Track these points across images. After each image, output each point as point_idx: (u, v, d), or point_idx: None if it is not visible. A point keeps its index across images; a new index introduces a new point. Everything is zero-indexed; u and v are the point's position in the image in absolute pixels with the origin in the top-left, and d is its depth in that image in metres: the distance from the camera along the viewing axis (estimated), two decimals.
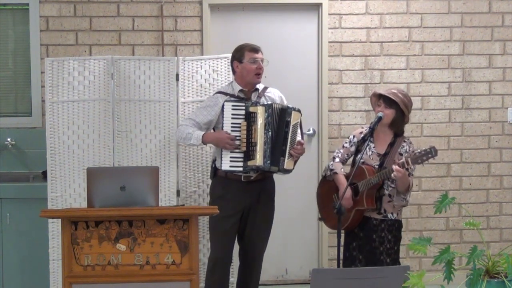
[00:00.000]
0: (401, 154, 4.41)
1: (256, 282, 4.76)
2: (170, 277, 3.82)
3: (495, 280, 2.89)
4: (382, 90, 4.53)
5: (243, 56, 4.61)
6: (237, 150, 4.47)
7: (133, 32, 5.68)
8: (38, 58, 5.63)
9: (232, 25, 5.80)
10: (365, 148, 4.42)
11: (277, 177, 5.79)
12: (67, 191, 5.02)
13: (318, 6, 5.77)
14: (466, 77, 5.86)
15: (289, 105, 4.54)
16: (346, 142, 4.63)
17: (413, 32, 5.81)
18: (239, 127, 4.48)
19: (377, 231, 4.42)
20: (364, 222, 4.45)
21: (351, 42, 5.78)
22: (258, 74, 4.59)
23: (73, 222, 3.80)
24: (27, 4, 5.65)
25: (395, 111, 4.42)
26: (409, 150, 4.43)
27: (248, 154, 4.45)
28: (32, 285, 5.20)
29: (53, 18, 5.64)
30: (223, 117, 4.52)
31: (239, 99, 4.59)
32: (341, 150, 4.62)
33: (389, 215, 4.43)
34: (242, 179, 4.54)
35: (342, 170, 4.55)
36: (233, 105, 4.52)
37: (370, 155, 4.47)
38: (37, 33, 5.63)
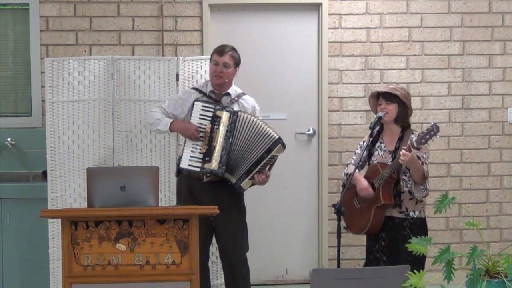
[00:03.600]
0: None
1: (246, 284, 4.70)
2: (170, 277, 3.82)
3: (495, 280, 2.89)
4: (379, 89, 4.54)
5: (211, 57, 4.66)
6: (197, 151, 4.48)
7: (133, 32, 5.68)
8: (38, 58, 5.63)
9: (232, 25, 5.80)
10: (366, 146, 4.42)
11: (275, 177, 5.80)
12: (67, 191, 5.03)
13: (318, 6, 5.77)
14: (466, 77, 5.86)
15: (280, 137, 4.49)
16: (357, 149, 4.64)
17: (413, 32, 5.81)
18: (205, 128, 4.49)
19: (400, 230, 4.39)
20: (386, 222, 4.42)
21: (351, 42, 5.78)
22: (217, 76, 4.59)
23: (73, 222, 3.80)
24: (27, 4, 5.65)
25: (397, 105, 4.42)
26: None
27: (206, 157, 4.46)
28: (32, 285, 5.20)
29: (53, 18, 5.64)
30: (191, 115, 4.53)
31: (210, 99, 4.61)
32: (354, 157, 4.63)
33: (411, 213, 4.40)
34: (204, 179, 4.54)
35: (358, 171, 4.53)
36: (202, 106, 4.53)
37: (382, 154, 4.47)
38: (37, 33, 5.63)
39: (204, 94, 4.65)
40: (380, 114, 4.44)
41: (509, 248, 3.31)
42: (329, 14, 5.74)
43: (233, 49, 4.67)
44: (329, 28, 5.75)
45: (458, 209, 5.81)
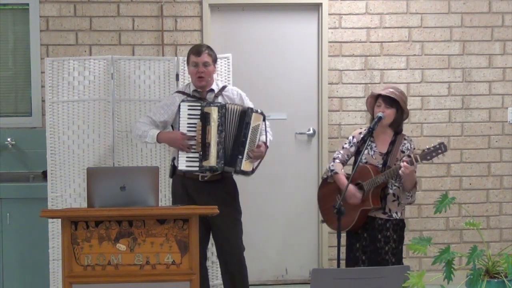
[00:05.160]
0: (403, 152, 4.44)
1: (244, 283, 4.69)
2: (170, 277, 3.82)
3: (495, 280, 2.89)
4: (378, 90, 4.55)
5: (189, 59, 4.66)
6: (193, 150, 4.48)
7: (133, 32, 5.68)
8: (38, 58, 5.63)
9: (232, 25, 5.80)
10: (365, 148, 4.43)
11: (275, 176, 5.81)
12: (67, 191, 5.03)
13: (318, 6, 5.77)
14: (466, 77, 5.86)
15: (250, 107, 4.54)
16: (345, 143, 4.64)
17: (413, 32, 5.81)
18: (195, 127, 4.49)
19: (382, 230, 4.43)
20: (369, 222, 4.45)
21: (351, 42, 5.78)
22: (200, 77, 4.59)
23: (73, 222, 3.80)
24: (27, 4, 5.65)
25: (395, 110, 4.43)
26: (411, 147, 4.47)
27: (204, 155, 4.46)
28: (32, 285, 5.20)
29: (53, 18, 5.64)
30: (179, 117, 4.53)
31: (195, 98, 4.61)
32: (341, 151, 4.62)
33: (394, 215, 4.44)
34: (199, 179, 4.55)
35: (343, 170, 4.55)
36: (189, 105, 4.53)
37: (372, 154, 4.48)
38: (37, 33, 5.63)
39: (187, 95, 4.66)
40: (380, 114, 4.43)
41: (509, 248, 3.32)
42: (329, 14, 5.74)
43: (208, 47, 4.70)
44: (329, 28, 5.75)
45: (458, 209, 5.81)
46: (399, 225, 4.47)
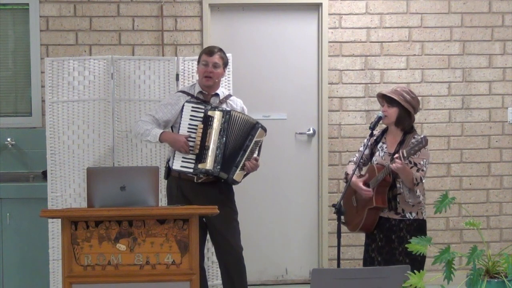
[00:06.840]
0: None
1: (243, 283, 4.70)
2: (170, 277, 3.82)
3: (495, 280, 2.88)
4: (385, 90, 4.55)
5: (200, 58, 4.68)
6: (190, 151, 4.48)
7: (133, 32, 5.68)
8: (38, 58, 5.63)
9: (232, 25, 5.80)
10: (368, 145, 4.43)
11: (275, 176, 5.81)
12: (67, 191, 5.03)
13: (318, 6, 5.77)
14: (466, 77, 5.86)
15: (258, 122, 4.57)
16: (361, 146, 4.65)
17: (413, 32, 5.81)
18: (196, 129, 4.49)
19: (396, 231, 4.40)
20: (383, 223, 4.44)
21: (351, 42, 5.78)
22: (207, 77, 4.60)
23: (73, 222, 3.80)
24: (27, 4, 5.65)
25: (397, 109, 4.43)
26: None
27: (200, 157, 4.46)
28: (32, 285, 5.20)
29: (53, 18, 5.64)
30: (181, 117, 4.53)
31: (199, 100, 4.61)
32: (356, 154, 4.65)
33: (408, 215, 4.40)
34: (195, 181, 4.56)
35: (357, 171, 4.54)
36: (193, 107, 4.53)
37: (383, 156, 4.48)
38: (37, 33, 5.63)
39: (192, 96, 4.66)
40: (380, 114, 4.45)
41: (509, 248, 3.31)
42: (329, 14, 5.74)
43: (221, 50, 4.71)
44: (329, 28, 5.75)
45: (458, 209, 5.81)
46: (414, 226, 4.40)
